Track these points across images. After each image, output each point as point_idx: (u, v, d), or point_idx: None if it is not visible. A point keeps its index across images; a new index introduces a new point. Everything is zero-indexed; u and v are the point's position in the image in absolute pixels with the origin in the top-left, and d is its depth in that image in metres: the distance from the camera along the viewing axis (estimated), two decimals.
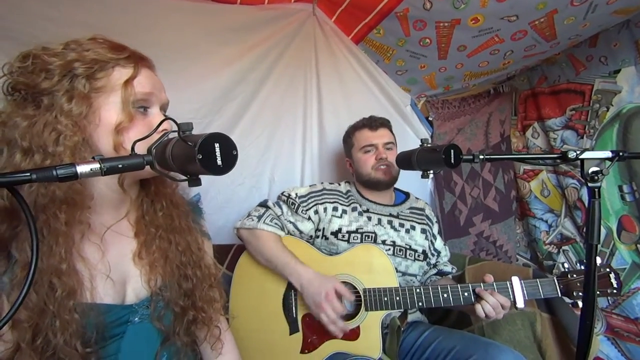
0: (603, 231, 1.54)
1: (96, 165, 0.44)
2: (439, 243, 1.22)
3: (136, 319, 0.62)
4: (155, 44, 1.14)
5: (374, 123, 1.22)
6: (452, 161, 0.77)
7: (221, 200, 1.40)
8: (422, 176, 0.91)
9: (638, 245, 1.45)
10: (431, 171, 0.89)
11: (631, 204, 1.47)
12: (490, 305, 0.88)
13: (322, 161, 1.52)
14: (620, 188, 1.50)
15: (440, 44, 1.31)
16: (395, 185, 1.28)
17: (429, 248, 1.18)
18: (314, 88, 1.47)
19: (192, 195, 0.90)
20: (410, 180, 1.52)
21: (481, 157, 0.83)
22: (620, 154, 0.74)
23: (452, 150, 0.77)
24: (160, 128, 0.58)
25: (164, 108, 0.66)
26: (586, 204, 1.62)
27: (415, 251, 1.14)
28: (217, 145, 0.48)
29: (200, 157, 0.46)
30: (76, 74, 0.56)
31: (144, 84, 0.60)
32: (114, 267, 0.62)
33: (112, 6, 1.10)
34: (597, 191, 0.75)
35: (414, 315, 1.10)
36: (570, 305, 0.98)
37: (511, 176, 1.82)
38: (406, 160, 0.92)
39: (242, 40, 1.29)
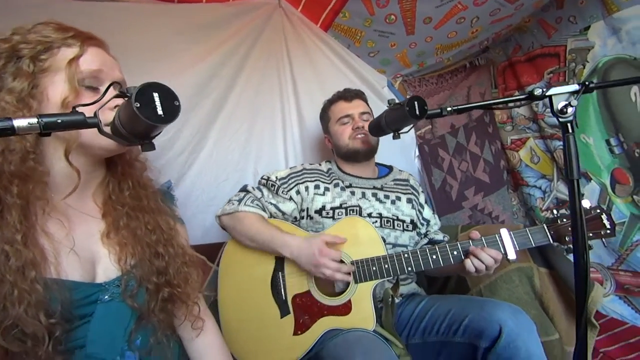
0: (597, 188, 1.51)
1: (34, 120, 0.44)
2: (427, 212, 1.20)
3: (106, 297, 0.62)
4: (123, 47, 1.11)
5: (349, 94, 1.23)
6: (417, 112, 0.77)
7: (206, 199, 1.39)
8: (394, 137, 0.90)
9: (634, 197, 1.42)
10: (403, 130, 0.88)
11: (620, 156, 1.45)
12: (480, 259, 0.85)
13: (305, 148, 1.52)
14: (607, 142, 1.48)
15: (406, 18, 1.32)
16: (380, 163, 1.27)
17: (417, 217, 1.16)
18: (288, 79, 1.48)
19: (163, 182, 0.90)
20: (396, 160, 1.51)
21: (449, 109, 0.83)
22: (587, 83, 0.73)
23: (415, 102, 0.76)
24: (113, 104, 0.58)
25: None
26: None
27: (403, 221, 1.11)
28: (155, 94, 0.49)
29: (138, 105, 0.46)
30: (21, 55, 0.58)
31: (90, 62, 0.61)
32: (81, 246, 0.62)
33: (77, 12, 1.12)
34: (569, 125, 0.74)
35: (409, 287, 1.06)
36: (564, 252, 0.95)
37: (498, 146, 1.81)
38: (377, 126, 0.92)
39: (211, 37, 1.31)
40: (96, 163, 0.67)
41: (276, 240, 0.96)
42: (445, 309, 0.91)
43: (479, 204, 1.71)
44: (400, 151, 1.64)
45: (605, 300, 1.50)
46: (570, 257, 1.39)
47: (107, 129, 0.50)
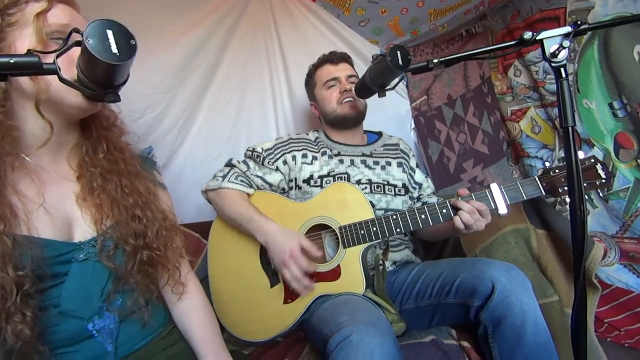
0: (600, 154, 1.46)
1: None
2: (418, 175, 1.17)
3: (81, 256, 0.61)
4: None
5: (335, 57, 1.18)
6: (400, 62, 0.73)
7: (199, 177, 1.38)
8: (379, 95, 0.87)
9: (638, 161, 1.36)
10: (389, 86, 0.85)
11: (624, 119, 1.39)
12: (467, 212, 0.82)
13: (297, 120, 1.49)
14: (610, 105, 1.42)
15: None
16: (369, 130, 1.24)
17: (409, 181, 1.13)
18: (276, 51, 1.45)
19: (144, 148, 0.88)
20: (391, 133, 1.47)
21: (435, 60, 0.79)
22: (578, 22, 0.69)
23: (398, 52, 0.73)
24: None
25: None
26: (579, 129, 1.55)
27: (395, 186, 1.09)
28: (109, 31, 0.47)
29: (90, 42, 0.45)
30: None
31: (59, 16, 0.60)
32: (55, 207, 0.61)
33: None
34: (562, 70, 0.70)
35: (402, 254, 1.04)
36: (560, 205, 0.91)
37: (497, 117, 1.75)
38: (362, 85, 0.88)
39: (196, 9, 1.28)
40: (70, 125, 0.66)
41: (252, 225, 0.94)
42: (438, 272, 0.89)
43: (479, 176, 1.67)
44: (396, 124, 1.60)
45: (610, 270, 1.46)
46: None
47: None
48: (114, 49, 0.47)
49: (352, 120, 1.13)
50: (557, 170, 0.84)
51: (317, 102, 1.21)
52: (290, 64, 1.47)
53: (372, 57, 0.82)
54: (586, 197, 1.48)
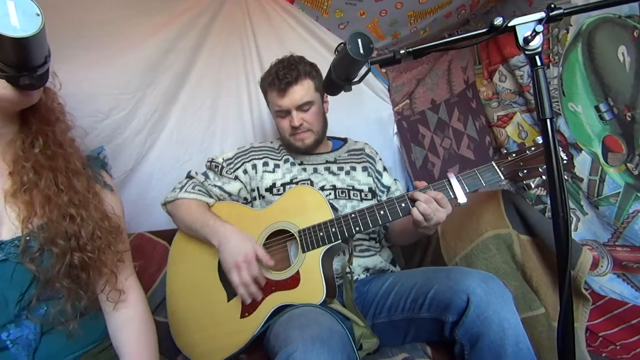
0: (588, 158, 1.41)
1: None
2: (386, 179, 1.11)
3: (0, 255, 0.56)
4: (73, 24, 1.10)
5: (281, 84, 0.99)
6: (361, 50, 0.68)
7: (170, 182, 1.31)
8: (346, 89, 0.81)
9: (628, 165, 1.31)
10: (355, 78, 0.79)
11: (611, 122, 1.34)
12: (423, 202, 0.76)
13: (275, 125, 1.43)
14: (597, 108, 1.38)
15: None
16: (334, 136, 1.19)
17: (376, 185, 1.07)
18: (253, 53, 1.41)
19: (95, 148, 0.83)
20: (373, 138, 1.43)
21: (402, 51, 0.75)
22: (552, 5, 0.65)
23: (358, 39, 0.68)
24: None
25: None
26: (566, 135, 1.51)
27: (361, 191, 1.03)
28: (10, 3, 0.42)
29: None
30: None
31: None
32: None
33: None
34: (537, 58, 0.65)
35: (373, 260, 0.96)
36: (523, 189, 0.85)
37: (483, 122, 1.71)
38: (329, 82, 0.82)
39: (166, 9, 1.24)
40: (4, 118, 0.61)
41: (207, 229, 0.88)
42: (411, 283, 0.81)
43: None
44: (377, 128, 1.55)
45: (603, 280, 1.39)
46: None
47: None
48: (14, 22, 0.41)
49: (306, 151, 1.07)
50: (514, 155, 0.79)
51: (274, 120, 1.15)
52: (267, 65, 1.42)
53: (335, 49, 0.78)
54: (576, 202, 1.42)
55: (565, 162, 0.77)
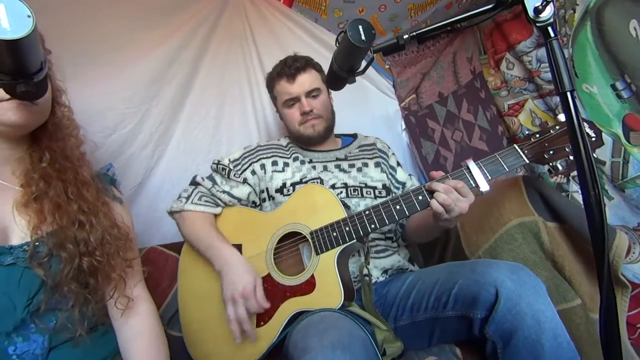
0: (609, 140, 1.34)
1: None
2: (400, 174, 1.07)
3: (8, 259, 0.56)
4: (79, 39, 1.12)
5: (290, 70, 1.01)
6: (363, 37, 0.66)
7: (178, 193, 1.30)
8: (349, 81, 0.79)
9: None
10: (359, 69, 0.77)
11: (630, 100, 1.28)
12: (442, 192, 0.70)
13: (280, 130, 1.42)
14: (613, 87, 1.32)
15: None
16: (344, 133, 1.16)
17: (390, 181, 1.03)
18: (254, 60, 1.41)
19: (103, 167, 0.83)
20: (382, 135, 1.39)
21: (405, 36, 0.72)
22: None
23: (359, 26, 0.66)
24: None
25: None
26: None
27: (374, 188, 0.98)
28: (1, 5, 0.41)
29: None
30: None
31: None
32: None
33: (30, 7, 1.08)
34: (550, 29, 0.61)
35: (392, 260, 0.92)
36: (549, 173, 0.79)
37: (494, 112, 1.66)
38: (332, 76, 0.81)
39: (168, 21, 1.25)
40: (10, 141, 0.63)
41: (211, 251, 0.87)
42: (433, 280, 0.77)
43: None
44: (385, 125, 1.52)
45: (636, 267, 1.30)
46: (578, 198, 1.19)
47: None
48: (4, 24, 0.40)
49: (318, 139, 1.05)
50: (537, 135, 0.74)
51: (281, 116, 1.13)
52: (268, 70, 1.42)
53: (336, 40, 0.76)
54: (600, 186, 1.35)
55: (593, 139, 0.71)
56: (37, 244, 0.58)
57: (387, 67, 1.52)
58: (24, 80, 0.47)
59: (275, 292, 0.81)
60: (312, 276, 0.79)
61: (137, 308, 0.65)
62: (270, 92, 1.13)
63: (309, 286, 0.78)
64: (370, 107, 1.51)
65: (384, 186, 1.00)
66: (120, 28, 1.18)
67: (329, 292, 0.76)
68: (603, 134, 1.38)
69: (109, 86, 1.16)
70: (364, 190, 0.97)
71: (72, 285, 0.57)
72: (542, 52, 1.55)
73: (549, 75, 1.53)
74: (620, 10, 1.25)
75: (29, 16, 0.42)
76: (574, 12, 1.41)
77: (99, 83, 1.14)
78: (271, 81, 1.10)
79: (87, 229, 0.61)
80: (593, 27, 1.35)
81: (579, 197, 1.49)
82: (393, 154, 1.12)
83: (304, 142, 1.08)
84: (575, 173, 1.55)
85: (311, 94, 1.03)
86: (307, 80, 1.02)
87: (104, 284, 0.62)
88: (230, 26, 1.36)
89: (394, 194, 1.02)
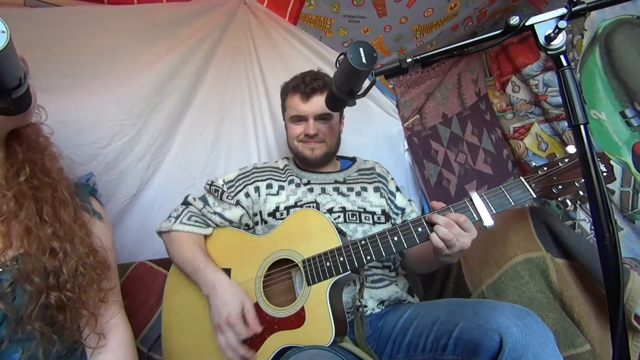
0: (618, 168, 1.30)
1: None
2: (400, 199, 1.03)
3: None
4: (79, 51, 1.11)
5: (306, 89, 0.99)
6: (364, 60, 0.63)
7: (172, 208, 1.23)
8: (349, 104, 0.76)
9: None
10: (360, 91, 0.74)
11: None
12: (443, 225, 0.66)
13: (280, 148, 1.39)
14: (622, 114, 1.29)
15: None
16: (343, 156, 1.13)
17: (389, 207, 0.99)
18: (257, 77, 1.40)
19: (82, 176, 0.80)
20: (384, 156, 1.37)
21: (409, 60, 0.69)
22: (574, 0, 0.58)
23: (360, 48, 0.63)
24: None
25: None
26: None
27: (373, 213, 0.94)
28: None
29: None
30: None
31: None
32: None
33: (32, 19, 1.08)
34: (562, 57, 0.58)
35: (389, 291, 0.87)
36: (560, 209, 0.74)
37: (499, 134, 1.63)
38: (331, 97, 0.78)
39: (171, 36, 1.24)
40: None
41: (198, 275, 0.83)
42: (432, 318, 0.72)
43: None
44: (387, 145, 1.49)
45: None
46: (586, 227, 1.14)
47: None
48: None
49: (314, 163, 1.02)
50: (545, 168, 0.70)
51: (285, 126, 1.11)
52: (272, 88, 1.40)
53: (336, 61, 0.73)
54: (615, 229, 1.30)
55: (605, 174, 0.67)
56: (0, 270, 0.53)
57: (391, 86, 1.51)
58: (1, 96, 0.45)
59: (263, 323, 0.75)
60: (302, 308, 0.74)
61: (110, 342, 0.60)
62: (283, 100, 1.11)
63: (298, 319, 0.73)
64: (373, 126, 1.49)
65: (383, 212, 0.96)
66: (122, 41, 1.18)
67: (319, 327, 0.70)
68: (611, 162, 1.34)
69: (107, 98, 1.15)
70: (363, 216, 0.93)
71: (37, 323, 0.52)
72: (548, 76, 1.53)
73: (555, 100, 1.50)
74: (631, 36, 1.23)
75: (3, 32, 0.39)
76: (582, 37, 1.39)
77: (96, 94, 1.13)
78: (286, 91, 1.08)
79: (59, 257, 0.56)
80: (602, 53, 1.32)
81: (586, 226, 1.44)
82: (392, 178, 1.09)
83: (300, 161, 1.05)
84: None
85: (322, 117, 1.01)
86: (320, 103, 0.97)
87: (73, 321, 0.57)
88: (234, 42, 1.35)
89: (393, 220, 0.98)
